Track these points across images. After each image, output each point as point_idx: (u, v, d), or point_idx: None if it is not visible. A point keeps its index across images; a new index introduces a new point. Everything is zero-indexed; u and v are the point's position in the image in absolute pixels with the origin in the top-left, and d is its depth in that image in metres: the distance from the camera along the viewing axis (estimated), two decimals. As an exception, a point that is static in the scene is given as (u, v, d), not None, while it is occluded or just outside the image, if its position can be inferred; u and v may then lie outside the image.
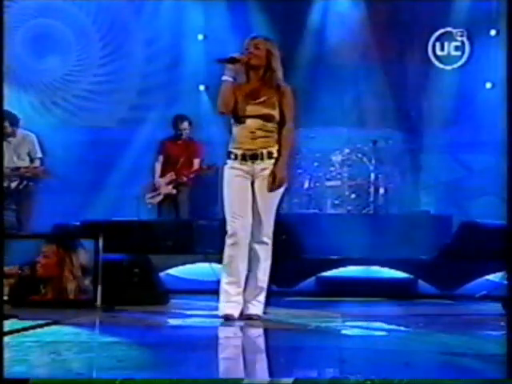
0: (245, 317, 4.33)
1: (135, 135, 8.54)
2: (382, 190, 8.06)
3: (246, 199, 4.35)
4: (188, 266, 6.29)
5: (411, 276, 6.12)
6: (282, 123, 4.38)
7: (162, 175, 7.38)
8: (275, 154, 4.36)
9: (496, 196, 8.32)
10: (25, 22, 8.71)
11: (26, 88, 8.68)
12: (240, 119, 4.36)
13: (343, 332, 4.07)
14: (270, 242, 4.37)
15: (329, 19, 8.73)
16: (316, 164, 8.23)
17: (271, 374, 2.85)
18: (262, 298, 4.43)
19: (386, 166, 8.24)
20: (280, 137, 4.38)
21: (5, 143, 6.45)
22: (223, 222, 7.44)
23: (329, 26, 8.73)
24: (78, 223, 6.46)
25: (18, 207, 6.60)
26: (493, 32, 8.71)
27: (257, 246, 4.35)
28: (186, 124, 7.43)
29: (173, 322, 4.55)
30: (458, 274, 6.04)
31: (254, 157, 4.33)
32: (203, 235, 6.85)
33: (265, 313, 4.42)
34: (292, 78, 8.45)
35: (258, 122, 4.34)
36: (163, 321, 4.56)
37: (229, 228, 4.35)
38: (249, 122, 4.34)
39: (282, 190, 4.41)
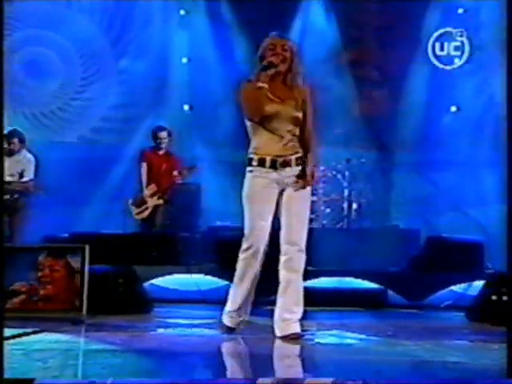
0: (289, 336, 3.84)
1: (122, 151, 8.50)
2: (354, 206, 8.10)
3: (270, 212, 3.91)
4: (171, 277, 6.24)
5: (381, 287, 6.13)
6: (303, 126, 3.98)
7: (146, 186, 7.31)
8: (301, 161, 3.94)
9: (461, 212, 8.41)
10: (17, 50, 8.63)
11: (18, 107, 8.62)
12: (268, 123, 3.90)
13: (317, 340, 4.06)
14: (304, 249, 3.92)
15: (306, 40, 8.74)
16: (293, 180, 8.23)
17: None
18: (299, 312, 3.92)
19: (358, 183, 8.29)
20: (304, 141, 3.98)
21: (7, 158, 6.49)
22: (205, 234, 7.54)
23: (306, 45, 8.73)
24: (66, 235, 6.41)
25: (9, 220, 6.53)
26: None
27: (298, 254, 3.89)
28: (164, 134, 7.36)
29: (155, 330, 4.51)
30: (425, 285, 6.05)
31: (285, 164, 3.89)
32: (186, 247, 6.86)
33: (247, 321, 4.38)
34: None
35: (287, 126, 3.91)
36: (146, 329, 4.51)
37: (247, 239, 3.95)
38: (278, 125, 3.90)
39: (309, 197, 3.99)
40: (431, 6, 8.78)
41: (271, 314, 5.30)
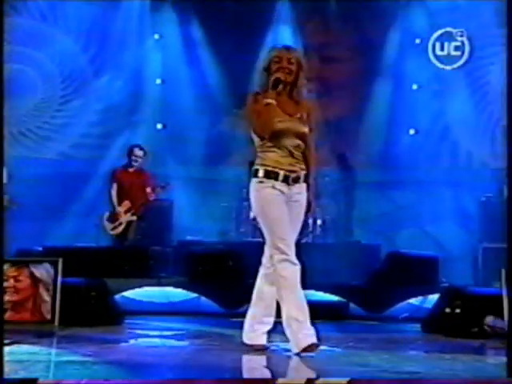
0: (305, 349, 3.63)
1: (96, 168, 8.44)
2: (319, 222, 8.14)
3: (287, 220, 3.70)
4: (142, 289, 6.19)
5: (344, 300, 6.15)
6: (308, 141, 3.79)
7: (119, 204, 7.26)
8: (305, 178, 3.77)
9: (418, 228, 8.53)
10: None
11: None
12: (277, 139, 3.69)
13: (282, 349, 4.06)
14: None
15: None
16: (261, 197, 8.25)
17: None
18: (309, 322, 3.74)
19: (323, 200, 8.34)
20: (308, 157, 3.79)
21: None
22: (176, 248, 7.52)
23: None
24: (40, 249, 6.34)
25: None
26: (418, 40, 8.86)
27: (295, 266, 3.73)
28: (141, 153, 7.34)
29: (126, 341, 4.47)
30: (385, 298, 6.10)
31: (296, 180, 3.72)
32: (157, 260, 6.83)
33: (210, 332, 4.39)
34: (240, 118, 8.74)
35: (295, 141, 3.72)
36: (117, 340, 4.46)
37: (277, 252, 3.65)
38: (287, 141, 3.70)
39: (303, 215, 3.80)
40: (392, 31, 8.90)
41: (239, 325, 5.33)
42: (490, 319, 4.68)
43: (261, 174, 3.71)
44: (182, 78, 9.10)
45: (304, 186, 3.78)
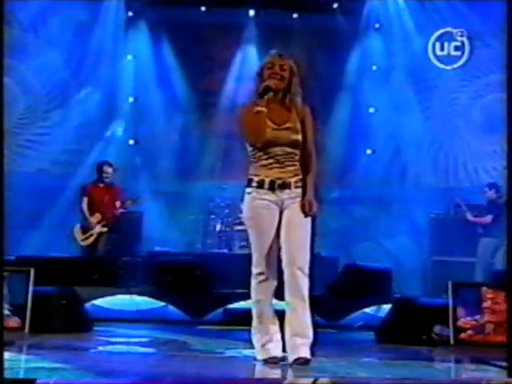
0: (295, 361, 3.46)
1: (69, 182, 8.35)
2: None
3: (273, 233, 3.48)
4: (112, 298, 6.13)
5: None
6: (303, 147, 3.56)
7: (91, 215, 7.18)
8: (301, 183, 3.52)
9: (374, 242, 8.62)
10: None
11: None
12: (267, 148, 3.49)
13: (244, 355, 4.05)
14: (307, 272, 3.52)
15: (243, 83, 8.83)
16: (227, 211, 8.27)
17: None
18: (308, 337, 3.54)
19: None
20: (304, 162, 3.56)
21: None
22: (145, 259, 7.47)
23: (242, 90, 8.72)
24: (13, 258, 6.22)
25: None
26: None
27: (298, 273, 3.49)
28: (110, 169, 7.31)
29: (96, 348, 4.40)
30: (342, 308, 6.13)
31: (283, 186, 3.49)
32: (126, 270, 6.78)
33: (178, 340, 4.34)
34: (211, 132, 8.80)
35: (285, 150, 3.50)
36: (86, 347, 4.39)
37: (257, 263, 3.49)
38: (277, 149, 3.49)
39: (309, 219, 3.53)
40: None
41: (204, 333, 5.31)
42: (437, 328, 4.75)
43: (250, 183, 3.54)
44: (154, 97, 9.11)
45: (299, 191, 3.51)
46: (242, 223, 8.17)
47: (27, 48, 8.55)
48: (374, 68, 9.02)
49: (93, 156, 8.49)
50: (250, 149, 3.57)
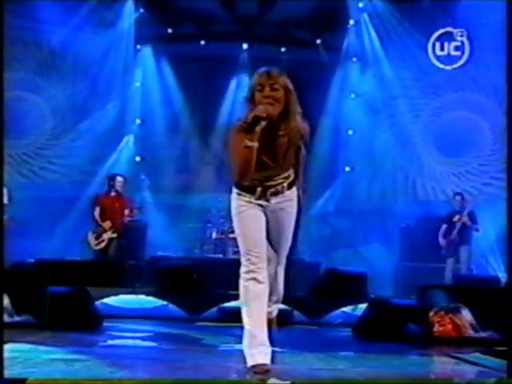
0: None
1: (83, 192, 8.33)
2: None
3: (261, 232, 2.98)
4: (119, 297, 6.11)
5: (289, 308, 6.16)
6: (296, 154, 2.98)
7: (102, 222, 7.16)
8: (291, 185, 2.99)
9: (352, 249, 8.65)
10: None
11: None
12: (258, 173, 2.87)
13: (237, 349, 4.05)
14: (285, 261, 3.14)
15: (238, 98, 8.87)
16: (222, 220, 8.27)
17: None
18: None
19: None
20: (296, 160, 2.99)
21: None
22: (148, 262, 7.45)
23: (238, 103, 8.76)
24: (32, 261, 6.21)
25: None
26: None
27: (278, 269, 3.12)
28: (121, 179, 7.31)
29: (105, 341, 4.38)
30: (322, 307, 6.11)
31: (276, 193, 2.95)
32: (132, 272, 6.77)
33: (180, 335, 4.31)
34: (208, 151, 8.83)
35: (281, 172, 2.94)
36: (97, 340, 4.38)
37: (246, 264, 2.93)
38: (271, 173, 2.93)
39: (295, 212, 3.04)
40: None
41: (201, 329, 5.30)
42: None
43: (239, 187, 2.96)
44: (158, 119, 9.16)
45: (289, 193, 2.98)
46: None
47: (55, 71, 8.58)
48: (353, 96, 9.10)
49: (104, 171, 8.50)
50: None
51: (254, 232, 2.96)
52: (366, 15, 8.86)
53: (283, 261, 3.15)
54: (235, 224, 3.01)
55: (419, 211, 8.33)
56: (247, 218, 2.96)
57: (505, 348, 4.02)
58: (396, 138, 8.88)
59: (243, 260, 2.97)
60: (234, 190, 3.01)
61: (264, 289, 2.96)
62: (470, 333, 4.60)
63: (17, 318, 4.62)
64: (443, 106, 8.65)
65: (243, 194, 2.97)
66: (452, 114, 8.56)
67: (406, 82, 8.75)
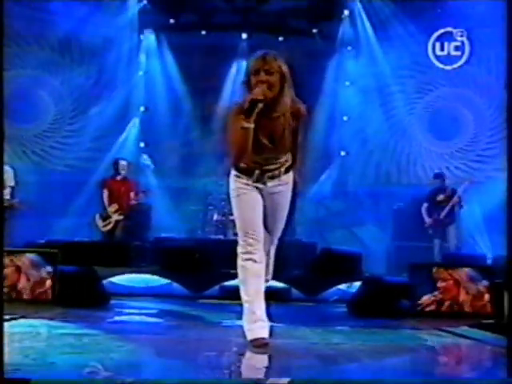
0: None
1: (90, 177, 8.30)
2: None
3: (259, 214, 2.95)
4: (125, 276, 6.13)
5: (287, 285, 6.17)
6: (293, 140, 2.91)
7: (109, 206, 7.16)
8: (288, 169, 2.96)
9: (346, 230, 8.66)
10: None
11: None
12: (256, 156, 2.84)
13: (237, 325, 4.06)
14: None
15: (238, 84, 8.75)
16: (223, 203, 8.25)
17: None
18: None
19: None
20: (293, 144, 2.92)
21: None
22: (153, 243, 7.45)
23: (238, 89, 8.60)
24: (43, 241, 6.21)
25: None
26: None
27: (271, 249, 3.15)
28: (124, 162, 7.28)
29: (113, 318, 4.39)
30: (319, 285, 6.12)
31: (273, 177, 2.93)
32: (137, 253, 6.77)
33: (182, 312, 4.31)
34: (209, 136, 8.80)
35: (279, 156, 2.90)
36: (104, 317, 4.39)
37: (243, 244, 2.92)
38: (267, 156, 2.90)
39: (289, 196, 3.00)
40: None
41: (203, 306, 5.32)
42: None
43: (237, 168, 2.92)
44: (161, 106, 9.11)
45: (285, 177, 2.95)
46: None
47: (57, 66, 8.51)
48: (347, 83, 9.04)
49: (110, 156, 8.47)
50: None
51: (252, 214, 2.93)
52: (360, 5, 8.78)
53: (276, 241, 3.15)
54: (234, 206, 2.98)
55: (411, 194, 8.32)
56: (245, 201, 2.92)
57: (492, 321, 4.07)
58: (389, 124, 8.86)
59: (240, 241, 2.95)
60: (233, 172, 2.96)
61: (260, 268, 2.97)
62: (471, 286, 4.58)
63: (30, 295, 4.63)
64: (437, 95, 8.61)
65: (241, 176, 2.93)
66: (445, 102, 8.52)
67: (399, 70, 8.71)
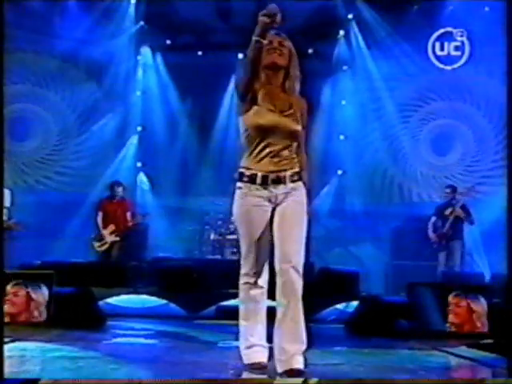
0: (287, 373, 2.64)
1: (87, 197, 8.32)
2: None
3: (265, 233, 2.73)
4: (122, 296, 6.10)
5: (284, 305, 6.13)
6: (300, 141, 2.79)
7: (104, 227, 7.19)
8: (297, 177, 2.76)
9: (344, 249, 8.66)
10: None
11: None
12: (264, 136, 2.70)
13: (234, 346, 4.04)
14: (301, 271, 2.74)
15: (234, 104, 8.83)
16: (220, 222, 8.27)
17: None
18: (302, 342, 2.69)
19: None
20: (300, 157, 2.78)
21: None
22: (150, 263, 7.44)
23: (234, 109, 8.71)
24: (39, 262, 6.19)
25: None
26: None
27: (291, 271, 2.71)
28: (120, 188, 7.31)
29: (109, 339, 4.36)
30: (316, 304, 6.08)
31: (277, 181, 2.71)
32: (134, 273, 6.75)
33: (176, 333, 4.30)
34: (206, 156, 8.84)
35: (283, 140, 2.72)
36: (101, 338, 4.36)
37: (245, 263, 2.77)
38: (275, 138, 2.71)
39: (304, 214, 2.76)
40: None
41: (200, 327, 5.29)
42: None
43: (240, 177, 2.75)
44: (158, 126, 9.16)
45: (296, 185, 2.74)
46: (232, 233, 8.18)
47: (55, 86, 8.58)
48: (343, 102, 9.12)
49: (107, 175, 8.50)
50: (245, 133, 2.75)
51: (258, 232, 2.71)
52: (355, 26, 8.91)
53: (299, 268, 2.71)
54: (237, 223, 2.80)
55: (408, 212, 8.36)
56: (251, 216, 2.71)
57: (490, 341, 4.05)
58: (386, 142, 8.92)
59: (243, 262, 2.79)
60: (236, 186, 2.77)
61: (262, 294, 2.81)
62: (480, 324, 4.54)
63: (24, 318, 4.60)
64: (432, 112, 8.69)
65: (245, 186, 2.72)
66: (441, 120, 8.60)
67: (394, 90, 8.80)
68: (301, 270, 2.72)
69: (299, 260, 2.72)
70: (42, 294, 4.68)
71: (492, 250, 7.16)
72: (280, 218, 2.74)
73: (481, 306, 4.64)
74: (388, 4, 8.53)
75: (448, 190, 7.05)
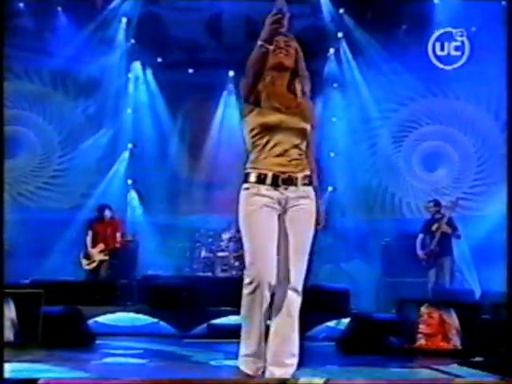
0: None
1: (76, 215, 8.30)
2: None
3: (272, 236, 2.58)
4: (111, 315, 6.05)
5: (275, 323, 6.12)
6: (310, 142, 2.71)
7: (93, 246, 7.17)
8: (308, 180, 2.66)
9: (335, 265, 8.67)
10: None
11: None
12: (271, 134, 2.59)
13: (225, 365, 4.04)
14: (301, 290, 2.67)
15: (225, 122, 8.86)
16: (210, 240, 8.27)
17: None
18: (294, 355, 2.65)
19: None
20: (310, 160, 2.71)
21: None
22: (139, 281, 7.40)
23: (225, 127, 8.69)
24: (27, 281, 6.14)
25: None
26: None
27: (289, 293, 2.65)
28: (108, 212, 7.27)
29: (98, 359, 4.32)
30: (307, 322, 5.92)
31: (289, 182, 2.59)
32: (124, 291, 6.72)
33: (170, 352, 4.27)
34: (197, 173, 8.87)
35: (292, 139, 2.62)
36: (90, 358, 4.32)
37: (248, 272, 2.58)
38: (282, 136, 2.61)
39: (312, 225, 2.70)
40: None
41: (191, 345, 5.26)
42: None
43: (247, 177, 2.61)
44: (149, 143, 9.19)
45: (307, 190, 2.65)
46: (223, 250, 8.19)
47: (45, 104, 8.61)
48: (334, 119, 9.21)
49: (98, 193, 8.49)
50: (249, 135, 2.64)
51: (265, 234, 2.55)
52: (345, 43, 9.03)
53: (298, 287, 2.64)
54: (242, 227, 2.59)
55: (398, 228, 8.40)
56: (259, 217, 2.55)
57: (481, 359, 4.07)
58: (376, 159, 8.99)
59: (247, 272, 2.59)
60: (243, 187, 2.63)
61: (268, 299, 2.63)
62: (453, 334, 4.59)
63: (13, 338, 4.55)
64: (422, 132, 8.80)
65: (252, 186, 2.58)
66: (431, 142, 8.71)
67: (384, 105, 8.90)
68: (301, 288, 2.68)
69: (301, 278, 2.67)
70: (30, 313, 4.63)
71: (482, 266, 7.21)
72: (290, 227, 2.63)
73: (471, 322, 4.67)
74: (377, 23, 8.67)
75: (431, 205, 6.99)
